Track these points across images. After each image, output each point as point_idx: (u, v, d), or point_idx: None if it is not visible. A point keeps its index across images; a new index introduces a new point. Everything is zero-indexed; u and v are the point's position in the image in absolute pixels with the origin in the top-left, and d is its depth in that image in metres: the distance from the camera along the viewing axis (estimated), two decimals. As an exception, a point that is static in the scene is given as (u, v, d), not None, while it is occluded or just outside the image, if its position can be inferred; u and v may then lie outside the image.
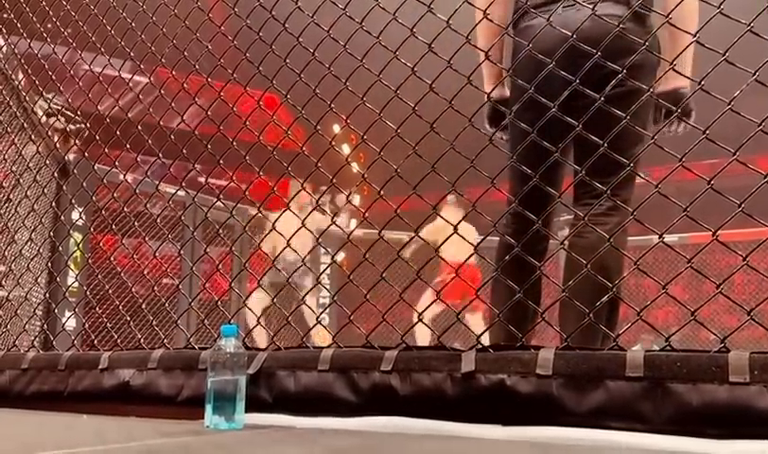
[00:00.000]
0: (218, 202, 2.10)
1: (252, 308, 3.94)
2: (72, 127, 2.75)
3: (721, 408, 1.21)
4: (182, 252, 2.37)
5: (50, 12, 2.57)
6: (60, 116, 3.02)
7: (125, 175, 2.37)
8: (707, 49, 1.44)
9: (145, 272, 2.31)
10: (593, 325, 1.51)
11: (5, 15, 2.71)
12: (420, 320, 1.79)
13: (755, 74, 1.36)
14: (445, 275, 5.42)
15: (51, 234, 2.79)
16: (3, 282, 2.77)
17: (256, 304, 4.55)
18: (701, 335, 5.83)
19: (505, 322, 1.63)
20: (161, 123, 2.14)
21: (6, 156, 2.89)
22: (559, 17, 1.80)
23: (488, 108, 2.16)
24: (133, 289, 2.22)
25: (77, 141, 2.66)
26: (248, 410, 1.54)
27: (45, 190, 2.90)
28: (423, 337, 5.16)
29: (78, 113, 2.59)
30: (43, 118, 3.15)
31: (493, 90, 2.07)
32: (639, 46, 1.60)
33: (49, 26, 2.56)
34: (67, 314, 3.23)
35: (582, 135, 1.60)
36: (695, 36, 1.58)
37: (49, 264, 2.88)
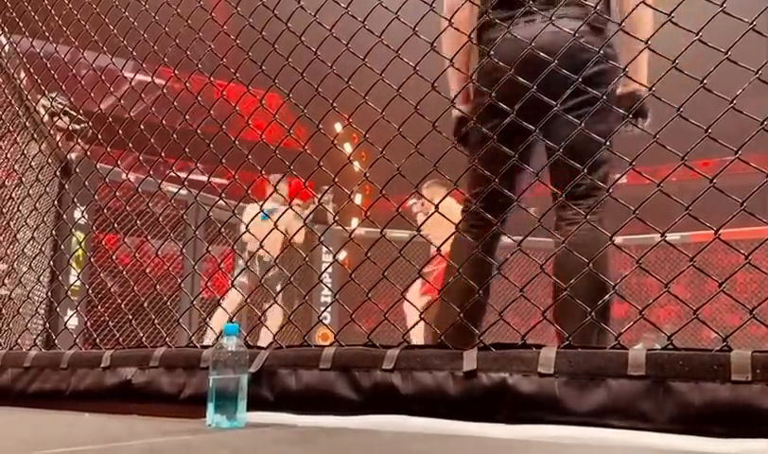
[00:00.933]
0: (220, 201, 2.10)
1: (224, 310, 3.85)
2: (76, 126, 2.75)
3: (723, 406, 1.21)
4: (184, 250, 2.38)
5: (52, 11, 2.57)
6: (63, 116, 3.03)
7: (127, 174, 2.38)
8: (710, 48, 1.44)
9: (147, 271, 2.32)
10: (597, 326, 1.53)
11: (7, 14, 2.72)
12: (422, 318, 1.80)
13: (757, 72, 1.36)
14: (433, 266, 5.40)
15: (53, 232, 2.80)
16: (5, 280, 2.78)
17: (228, 306, 4.48)
18: (702, 334, 5.83)
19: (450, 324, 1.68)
20: (163, 122, 2.14)
21: (8, 155, 2.90)
22: (521, 31, 1.85)
23: (455, 122, 2.19)
24: (135, 288, 2.22)
25: (79, 141, 2.66)
26: (249, 408, 1.54)
27: (48, 189, 2.90)
28: (415, 330, 5.11)
29: (81, 112, 2.59)
30: (46, 117, 3.16)
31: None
32: (600, 56, 1.71)
33: (51, 24, 2.56)
34: (69, 313, 3.24)
35: (552, 144, 1.68)
36: (700, 34, 1.58)
37: (51, 263, 2.89)
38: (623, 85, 1.98)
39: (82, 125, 2.77)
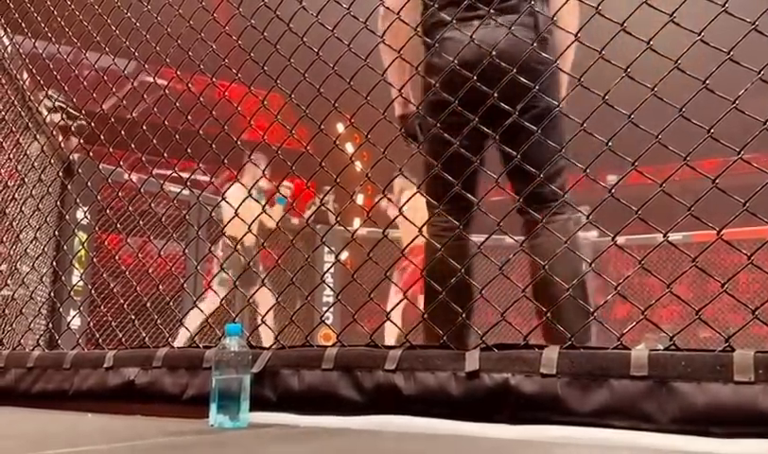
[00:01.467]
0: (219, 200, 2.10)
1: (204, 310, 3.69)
2: (71, 123, 2.75)
3: (725, 407, 1.20)
4: (186, 250, 2.38)
5: (54, 12, 2.58)
6: (61, 113, 3.03)
7: (129, 174, 2.38)
8: (713, 48, 1.44)
9: (149, 271, 2.32)
10: (582, 321, 1.61)
11: (9, 15, 2.72)
12: (424, 318, 1.79)
13: (759, 72, 1.36)
14: (405, 264, 5.31)
15: (56, 233, 2.80)
16: (8, 281, 2.78)
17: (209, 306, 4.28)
18: (706, 333, 5.81)
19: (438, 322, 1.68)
20: (165, 123, 2.14)
21: (11, 155, 2.90)
22: (475, 33, 1.84)
23: (399, 120, 2.21)
24: (138, 288, 2.23)
25: (80, 139, 2.67)
26: (252, 408, 1.54)
27: (50, 189, 2.90)
28: (391, 333, 5.04)
29: (83, 112, 2.59)
30: (46, 114, 3.16)
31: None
32: (547, 65, 1.81)
33: (54, 25, 2.56)
34: (72, 313, 3.24)
35: (508, 150, 1.74)
36: (702, 34, 1.58)
37: (54, 263, 2.89)
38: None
39: (79, 121, 2.77)
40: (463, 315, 1.68)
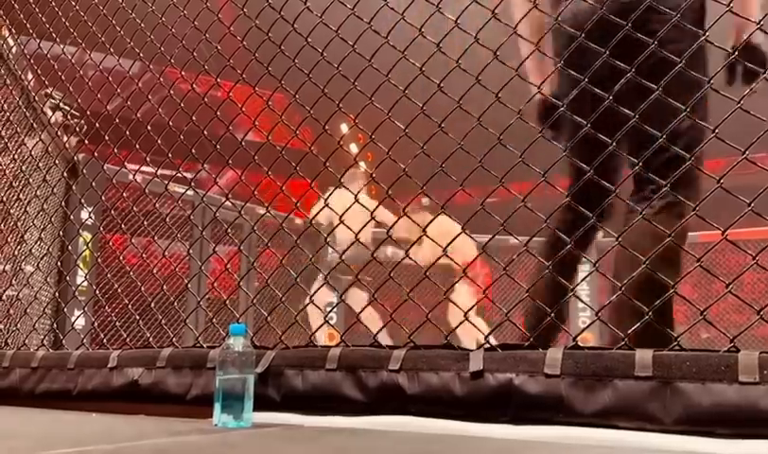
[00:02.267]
0: (225, 202, 2.11)
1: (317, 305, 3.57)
2: (70, 121, 2.76)
3: (730, 407, 1.20)
4: (190, 251, 2.38)
5: (59, 13, 2.58)
6: (64, 113, 3.04)
7: (134, 175, 2.38)
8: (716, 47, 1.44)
9: (154, 271, 2.32)
10: (648, 323, 1.44)
11: (14, 15, 2.73)
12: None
13: (764, 72, 1.36)
14: (472, 273, 5.26)
15: (61, 233, 2.80)
16: (13, 281, 2.79)
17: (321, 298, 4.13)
18: (705, 335, 5.79)
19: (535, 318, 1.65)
20: (170, 123, 2.15)
21: (16, 156, 2.91)
22: None
23: (539, 106, 2.06)
24: (142, 288, 2.23)
25: (84, 139, 2.67)
26: (256, 408, 1.54)
27: (55, 189, 2.91)
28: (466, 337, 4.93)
29: (88, 112, 2.60)
30: (49, 112, 3.17)
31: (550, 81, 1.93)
32: (677, 8, 1.52)
33: (59, 26, 2.57)
34: (76, 313, 3.25)
35: (635, 124, 1.50)
36: (707, 33, 1.57)
37: (59, 263, 2.90)
38: (731, 37, 1.74)
39: (75, 119, 2.77)
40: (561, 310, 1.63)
